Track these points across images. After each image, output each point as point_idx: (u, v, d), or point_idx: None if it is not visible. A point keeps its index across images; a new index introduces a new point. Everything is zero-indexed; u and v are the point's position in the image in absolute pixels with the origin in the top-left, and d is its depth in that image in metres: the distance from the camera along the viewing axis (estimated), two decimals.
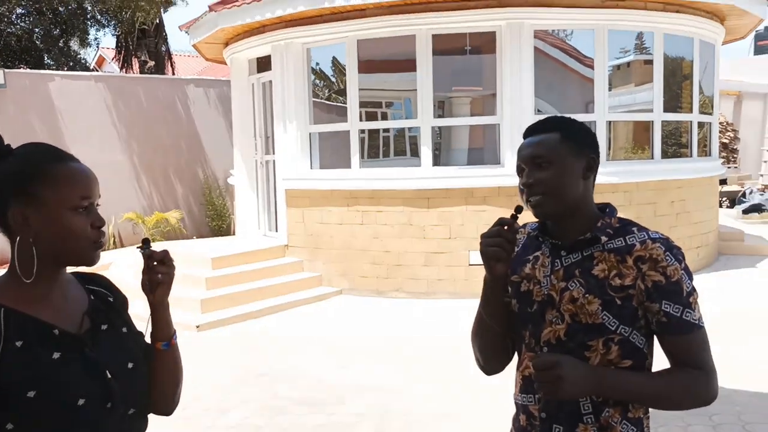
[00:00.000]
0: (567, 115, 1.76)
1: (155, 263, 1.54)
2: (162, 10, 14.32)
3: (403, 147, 8.59)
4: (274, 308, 7.25)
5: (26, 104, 10.93)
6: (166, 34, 16.75)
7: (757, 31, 19.27)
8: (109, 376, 1.40)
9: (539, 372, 1.50)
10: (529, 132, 1.71)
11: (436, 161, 7.92)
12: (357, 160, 8.00)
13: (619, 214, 1.71)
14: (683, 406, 1.65)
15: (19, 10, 13.82)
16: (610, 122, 8.06)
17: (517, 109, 7.51)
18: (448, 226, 7.58)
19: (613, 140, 8.38)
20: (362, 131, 8.19)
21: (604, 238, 1.63)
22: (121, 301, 1.60)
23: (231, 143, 10.46)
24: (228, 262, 7.88)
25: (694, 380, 1.57)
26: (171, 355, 1.57)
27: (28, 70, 12.37)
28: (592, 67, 7.87)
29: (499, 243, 1.63)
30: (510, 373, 1.83)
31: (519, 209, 1.68)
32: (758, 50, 20.59)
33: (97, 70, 21.72)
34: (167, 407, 1.59)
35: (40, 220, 1.37)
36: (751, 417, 4.21)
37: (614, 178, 7.61)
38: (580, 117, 8.06)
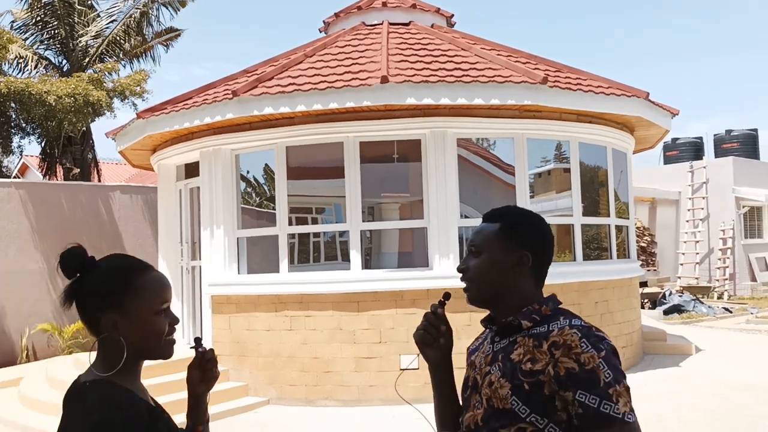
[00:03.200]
0: (525, 208, 1.81)
1: (208, 360, 1.77)
2: (89, 120, 14.28)
3: (334, 252, 8.60)
4: None
5: None
6: (93, 142, 16.63)
7: (665, 142, 20.63)
8: None
9: None
10: (484, 218, 1.77)
11: (367, 266, 7.93)
12: (286, 264, 7.93)
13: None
14: None
15: None
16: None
17: (443, 213, 7.68)
18: (378, 330, 7.50)
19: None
20: (292, 237, 8.18)
21: (526, 323, 1.62)
22: None
23: (157, 250, 10.23)
24: (149, 373, 7.48)
25: None
26: None
27: None
28: (514, 174, 8.18)
29: (423, 327, 1.75)
30: None
31: (447, 296, 1.81)
32: (667, 160, 21.94)
33: (19, 178, 21.22)
34: None
35: (127, 323, 1.59)
36: None
37: None
38: None
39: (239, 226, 8.38)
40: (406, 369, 7.44)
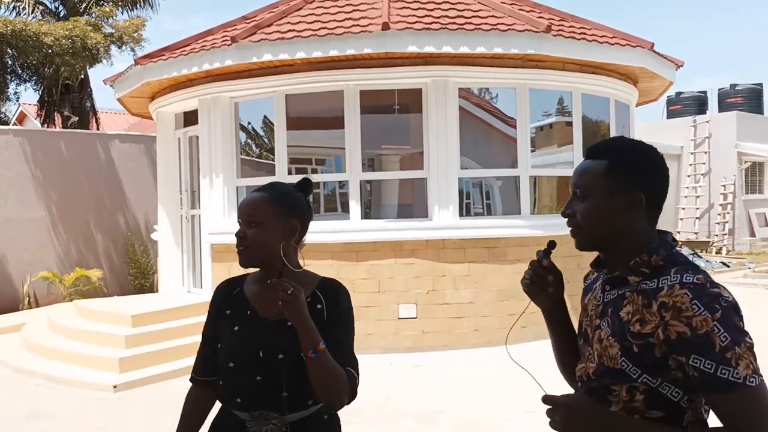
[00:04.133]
0: (635, 139, 1.62)
1: (282, 287, 1.80)
2: (87, 66, 14.10)
3: (334, 205, 8.58)
4: None
5: None
6: (91, 90, 16.46)
7: (668, 96, 20.43)
8: (262, 355, 1.86)
9: (547, 410, 1.48)
10: (587, 153, 1.62)
11: (366, 217, 7.93)
12: None
13: None
14: None
15: None
16: (534, 178, 8.27)
17: (443, 163, 7.63)
18: (377, 279, 7.53)
19: (537, 196, 8.60)
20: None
21: (633, 278, 1.51)
22: (329, 310, 1.93)
23: (157, 199, 10.23)
24: (149, 319, 7.57)
25: None
26: (313, 364, 1.77)
27: None
28: (515, 126, 8.10)
29: (529, 276, 1.70)
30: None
31: (552, 244, 1.72)
32: (670, 114, 21.76)
33: (17, 126, 21.09)
34: (328, 404, 1.89)
35: None
36: None
37: (539, 231, 7.77)
38: (505, 172, 8.28)
39: (239, 174, 8.35)
40: (404, 318, 7.52)
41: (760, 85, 21.70)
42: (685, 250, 15.47)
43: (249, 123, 8.76)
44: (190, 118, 9.10)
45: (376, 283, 7.53)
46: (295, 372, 1.83)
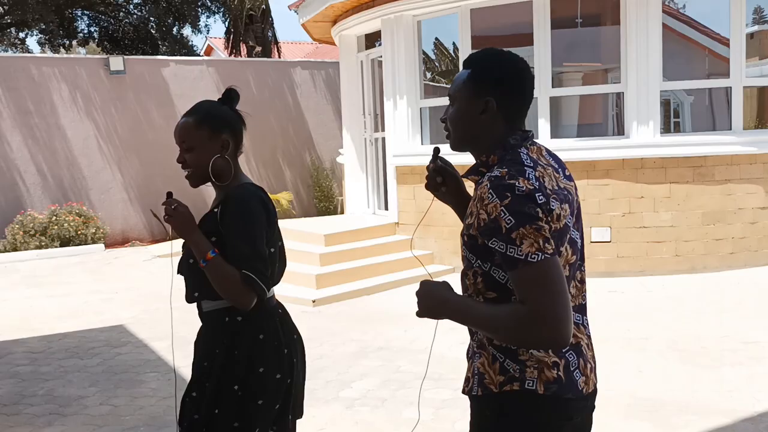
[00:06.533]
0: (504, 50, 1.70)
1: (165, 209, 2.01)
2: None
3: None
4: (387, 285, 7.14)
5: (143, 89, 11.33)
6: (272, 20, 17.00)
7: None
8: (182, 253, 2.14)
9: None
10: (463, 64, 1.76)
11: (554, 135, 7.57)
12: None
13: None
14: (509, 340, 1.59)
15: (135, 0, 14.35)
16: (745, 89, 7.43)
17: (643, 73, 7.04)
18: None
19: (749, 109, 7.75)
20: None
21: (473, 178, 1.70)
22: (221, 217, 2.02)
23: (337, 126, 10.44)
24: (340, 239, 7.83)
25: (513, 315, 1.51)
26: (206, 272, 1.98)
27: (145, 57, 12.85)
28: (718, 40, 7.28)
29: (426, 178, 1.93)
30: None
31: (436, 150, 1.93)
32: None
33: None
34: (231, 303, 2.02)
35: None
36: None
37: (752, 148, 7.03)
38: (715, 83, 7.53)
39: (422, 95, 8.25)
40: (596, 242, 7.18)
41: None
42: None
43: (423, 52, 8.56)
44: (372, 40, 9.07)
45: None
46: (186, 269, 2.10)
